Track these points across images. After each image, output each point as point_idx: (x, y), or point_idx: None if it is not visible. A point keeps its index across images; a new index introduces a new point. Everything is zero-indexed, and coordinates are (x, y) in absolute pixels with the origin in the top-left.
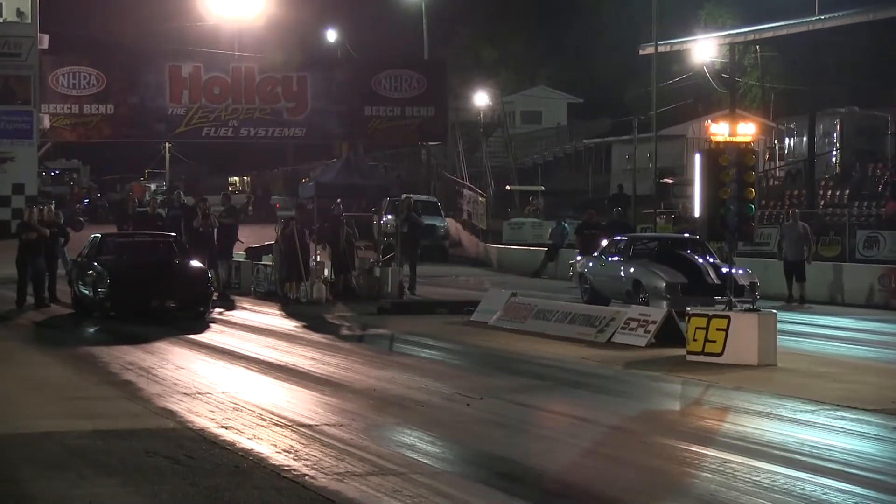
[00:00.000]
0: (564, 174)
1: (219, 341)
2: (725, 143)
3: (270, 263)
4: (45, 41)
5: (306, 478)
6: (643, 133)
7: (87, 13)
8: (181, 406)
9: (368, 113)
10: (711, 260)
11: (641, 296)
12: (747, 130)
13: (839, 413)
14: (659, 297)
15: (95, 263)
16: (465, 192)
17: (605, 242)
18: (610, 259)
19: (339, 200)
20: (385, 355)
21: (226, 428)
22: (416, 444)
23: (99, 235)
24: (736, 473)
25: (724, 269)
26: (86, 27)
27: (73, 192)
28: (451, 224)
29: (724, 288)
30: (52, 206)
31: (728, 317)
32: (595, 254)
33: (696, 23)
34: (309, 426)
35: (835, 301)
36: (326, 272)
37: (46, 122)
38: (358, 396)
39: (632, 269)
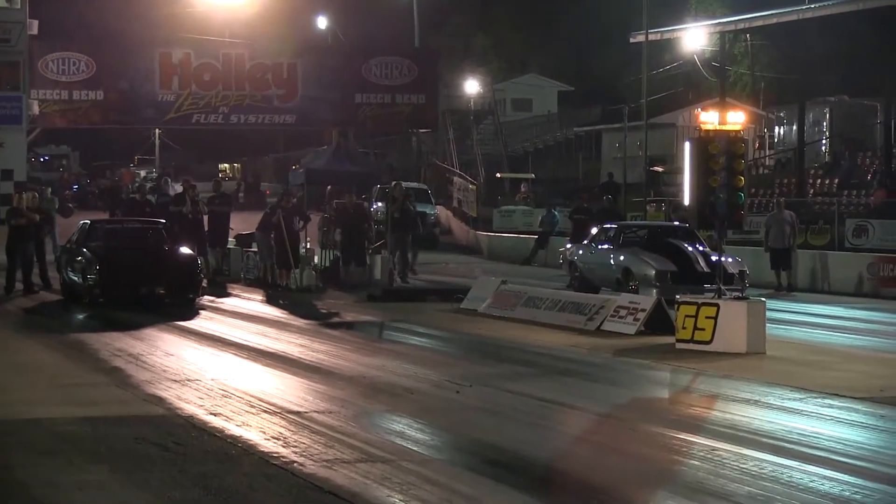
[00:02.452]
0: (555, 162)
1: (208, 328)
2: (715, 131)
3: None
4: (34, 27)
5: (295, 465)
6: (634, 121)
7: None
8: (170, 393)
9: (359, 100)
10: (701, 248)
11: (631, 284)
12: (737, 119)
13: (827, 401)
14: (648, 285)
15: (84, 250)
16: (456, 179)
17: (594, 230)
18: (600, 247)
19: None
20: (375, 342)
21: (215, 415)
22: (406, 431)
23: (88, 222)
24: (724, 461)
25: (714, 258)
26: (75, 13)
27: (62, 179)
28: (441, 211)
29: (714, 276)
30: (49, 192)
31: (717, 305)
32: (585, 241)
33: (687, 11)
34: (298, 413)
35: (823, 289)
36: (316, 259)
37: (36, 108)
38: (347, 383)
39: (621, 257)
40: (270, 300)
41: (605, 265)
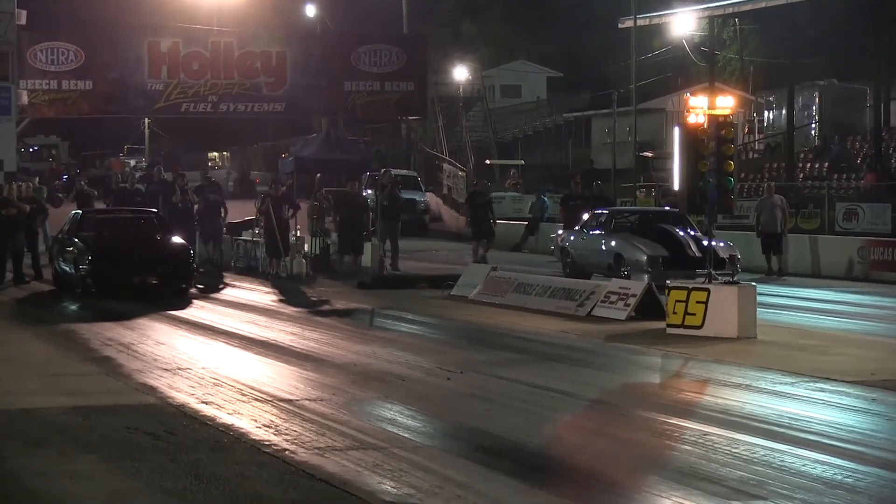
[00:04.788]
0: (544, 148)
1: (199, 317)
2: (705, 116)
3: (250, 239)
4: (22, 17)
5: (287, 453)
6: (623, 107)
7: None
8: (161, 382)
9: (348, 88)
10: (692, 233)
11: (623, 269)
12: (726, 103)
13: (818, 385)
14: (640, 270)
15: (76, 240)
16: (445, 166)
17: (586, 216)
18: (591, 233)
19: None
20: (365, 330)
21: (206, 403)
22: (397, 418)
23: (80, 212)
24: (716, 445)
25: (706, 242)
26: (64, 3)
27: (51, 169)
28: (431, 198)
29: (706, 261)
30: (37, 181)
31: (708, 289)
32: (577, 227)
33: None
34: (289, 401)
35: (814, 273)
36: (307, 247)
37: (25, 99)
38: (338, 371)
39: (613, 243)
40: (261, 288)
41: (596, 251)
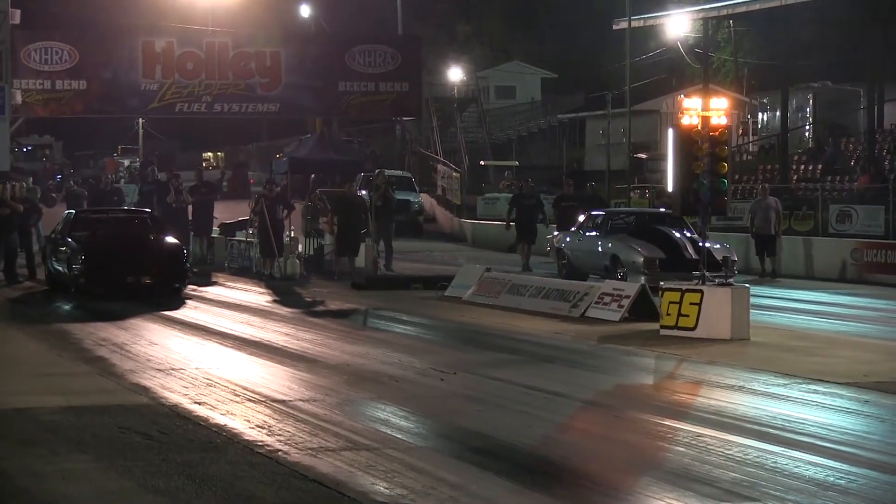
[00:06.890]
0: (539, 149)
1: (193, 317)
2: (698, 117)
3: (244, 239)
4: (16, 16)
5: (280, 453)
6: (617, 108)
7: None
8: (154, 382)
9: (342, 88)
10: (689, 234)
11: (619, 271)
12: (720, 105)
13: (812, 387)
14: (637, 272)
15: (69, 239)
16: (440, 167)
17: (582, 217)
18: (587, 234)
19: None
20: (359, 331)
21: (199, 404)
22: (390, 419)
23: (73, 211)
24: (709, 447)
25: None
26: (58, 2)
27: (45, 168)
28: (425, 199)
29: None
30: (30, 181)
31: (701, 291)
32: (573, 228)
33: None
34: (282, 402)
35: (808, 275)
36: (301, 248)
37: (18, 98)
38: (332, 372)
39: (609, 245)
40: (255, 289)
41: (592, 252)
